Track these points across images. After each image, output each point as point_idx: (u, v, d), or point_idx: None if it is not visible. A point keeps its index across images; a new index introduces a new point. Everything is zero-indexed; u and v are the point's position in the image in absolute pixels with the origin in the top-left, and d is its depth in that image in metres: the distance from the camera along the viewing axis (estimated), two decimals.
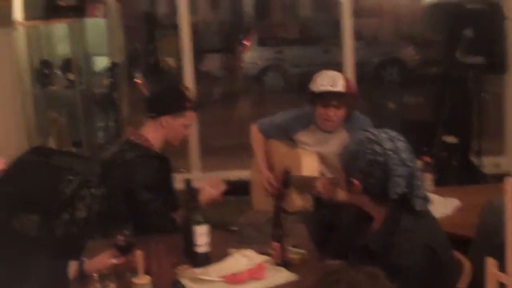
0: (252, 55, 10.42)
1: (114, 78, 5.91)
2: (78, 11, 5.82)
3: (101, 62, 6.12)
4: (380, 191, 2.35)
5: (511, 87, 5.44)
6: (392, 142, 2.36)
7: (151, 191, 3.21)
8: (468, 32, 4.65)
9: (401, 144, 2.38)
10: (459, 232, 2.96)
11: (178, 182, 3.16)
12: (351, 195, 2.46)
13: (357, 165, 2.36)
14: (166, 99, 3.41)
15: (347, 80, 3.67)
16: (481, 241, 2.65)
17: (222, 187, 3.36)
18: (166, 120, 3.32)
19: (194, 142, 5.23)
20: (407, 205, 2.36)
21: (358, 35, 8.22)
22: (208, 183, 3.34)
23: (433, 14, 5.72)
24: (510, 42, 5.25)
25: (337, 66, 5.43)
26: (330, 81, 3.60)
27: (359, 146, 2.38)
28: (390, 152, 2.33)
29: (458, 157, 4.91)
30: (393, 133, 2.41)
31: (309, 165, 3.63)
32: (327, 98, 3.58)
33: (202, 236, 2.71)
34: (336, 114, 3.61)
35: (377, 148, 2.34)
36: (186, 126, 3.38)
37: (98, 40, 6.16)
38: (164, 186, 3.35)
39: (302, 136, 3.80)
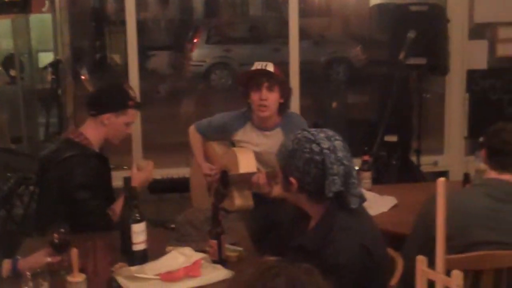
0: (200, 53, 10.39)
1: (58, 74, 5.82)
2: (23, 6, 5.71)
3: (46, 58, 6.03)
4: (317, 189, 2.37)
5: (451, 88, 5.54)
6: (329, 141, 2.38)
7: (89, 190, 3.19)
8: (411, 34, 4.71)
9: (338, 143, 2.40)
10: (394, 229, 3.02)
11: (120, 179, 3.13)
12: (289, 194, 2.48)
13: (294, 163, 2.38)
14: (109, 97, 3.39)
15: (277, 67, 3.70)
16: (419, 235, 2.70)
17: (150, 166, 3.34)
18: (108, 118, 3.30)
19: (137, 140, 5.20)
20: (343, 203, 2.38)
21: (306, 34, 8.28)
22: (135, 167, 3.31)
23: (379, 15, 5.80)
24: (452, 44, 5.34)
25: (285, 65, 5.45)
26: (260, 65, 3.65)
27: (297, 144, 2.40)
28: (327, 151, 2.35)
29: (397, 156, 5.00)
30: (330, 132, 2.44)
31: (246, 163, 3.65)
32: (259, 78, 3.60)
33: (139, 234, 2.69)
34: (269, 97, 3.61)
35: (315, 147, 2.36)
36: (127, 124, 3.36)
37: (43, 35, 6.07)
38: (102, 185, 3.33)
39: (240, 136, 3.81)
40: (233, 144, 3.87)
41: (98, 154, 3.33)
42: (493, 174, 2.73)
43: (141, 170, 3.31)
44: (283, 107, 3.73)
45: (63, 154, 3.24)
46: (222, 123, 3.89)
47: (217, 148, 3.95)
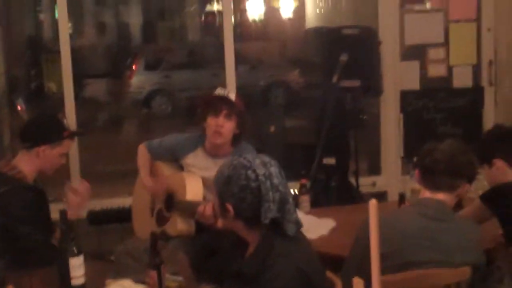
0: (139, 79, 10.36)
1: None
2: None
3: None
4: (253, 216, 2.39)
5: (385, 109, 5.64)
6: (265, 168, 2.41)
7: (29, 224, 3.13)
8: (344, 56, 4.79)
9: (274, 169, 2.43)
10: (333, 251, 3.05)
11: (55, 212, 3.08)
12: (225, 220, 2.49)
13: (230, 190, 2.40)
14: (43, 129, 3.34)
15: (238, 97, 3.75)
16: (357, 256, 2.73)
17: (85, 186, 3.31)
18: (44, 150, 3.26)
19: (74, 169, 5.12)
20: (279, 230, 2.41)
21: (243, 59, 8.34)
22: (70, 190, 3.27)
23: (313, 38, 5.88)
24: (384, 65, 5.45)
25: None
26: (223, 91, 3.70)
27: (233, 171, 2.41)
28: (262, 178, 2.38)
29: (336, 178, 5.05)
30: (266, 159, 2.46)
31: (193, 189, 3.63)
32: (219, 104, 3.63)
33: (77, 267, 2.66)
34: (226, 125, 3.63)
35: (250, 173, 2.38)
36: (62, 155, 3.34)
37: None
38: (41, 218, 3.26)
39: (190, 159, 3.80)
40: (181, 167, 3.86)
41: (33, 186, 3.28)
42: (427, 194, 2.78)
43: (76, 193, 3.27)
44: (237, 137, 3.74)
45: None
46: (174, 144, 3.88)
47: (164, 168, 3.91)
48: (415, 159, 2.92)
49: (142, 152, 3.97)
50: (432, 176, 2.76)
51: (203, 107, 3.71)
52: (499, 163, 3.10)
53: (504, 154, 3.11)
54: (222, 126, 3.63)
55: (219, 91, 3.70)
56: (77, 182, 3.42)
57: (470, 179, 2.81)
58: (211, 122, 3.64)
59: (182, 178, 3.69)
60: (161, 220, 3.74)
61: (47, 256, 3.07)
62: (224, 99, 3.64)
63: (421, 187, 2.83)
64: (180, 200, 3.63)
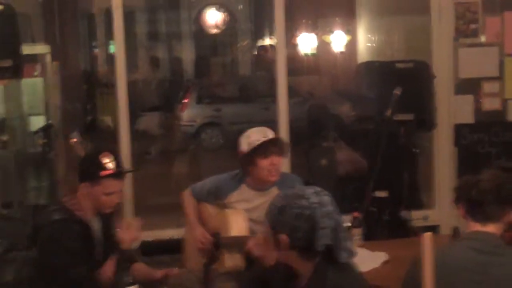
0: (190, 113, 10.48)
1: (49, 138, 5.85)
2: (15, 71, 5.77)
3: (37, 122, 6.06)
4: (307, 244, 2.38)
5: (439, 142, 5.60)
6: (317, 196, 2.41)
7: (70, 255, 3.16)
8: (398, 90, 4.77)
9: (326, 198, 2.43)
10: (385, 284, 3.01)
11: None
12: (278, 252, 2.48)
13: (284, 219, 2.40)
14: (81, 167, 3.39)
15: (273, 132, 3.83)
16: None
17: (137, 224, 3.34)
18: (84, 187, 3.31)
19: (128, 201, 5.19)
20: (332, 258, 2.39)
21: (295, 92, 8.37)
22: (123, 228, 3.31)
23: (366, 72, 5.87)
24: (438, 99, 5.41)
25: (276, 123, 5.51)
26: (260, 133, 3.74)
27: (286, 201, 2.42)
28: (316, 205, 2.38)
29: (388, 211, 5.00)
30: (318, 188, 2.47)
31: (237, 225, 3.69)
32: (267, 146, 3.69)
33: None
34: (279, 161, 3.73)
35: (303, 202, 2.38)
36: (107, 194, 3.30)
37: (35, 99, 6.12)
38: (84, 252, 3.26)
39: (234, 197, 3.85)
40: (225, 205, 3.89)
41: (81, 220, 3.29)
42: (477, 227, 2.73)
43: (129, 227, 3.31)
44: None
45: (49, 218, 3.25)
46: (217, 185, 3.94)
47: (209, 208, 3.97)
48: (455, 195, 2.86)
49: (187, 198, 4.02)
50: (481, 208, 2.71)
51: (249, 156, 3.73)
52: None
53: None
54: (277, 164, 3.71)
55: (261, 138, 3.71)
56: (131, 219, 3.43)
57: None
58: (263, 164, 3.70)
59: (226, 216, 3.74)
60: (211, 259, 3.76)
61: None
62: (271, 140, 3.71)
63: (468, 221, 2.77)
64: (226, 237, 3.67)
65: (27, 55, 5.37)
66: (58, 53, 6.93)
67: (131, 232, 3.30)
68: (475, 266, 2.62)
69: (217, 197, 3.93)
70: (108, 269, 3.12)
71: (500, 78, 5.62)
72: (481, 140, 5.49)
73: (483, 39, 5.68)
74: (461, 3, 5.57)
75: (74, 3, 9.65)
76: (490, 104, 5.62)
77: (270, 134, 3.74)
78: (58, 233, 3.19)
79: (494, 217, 2.70)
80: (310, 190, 2.43)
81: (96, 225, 3.36)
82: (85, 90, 9.89)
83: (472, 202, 2.73)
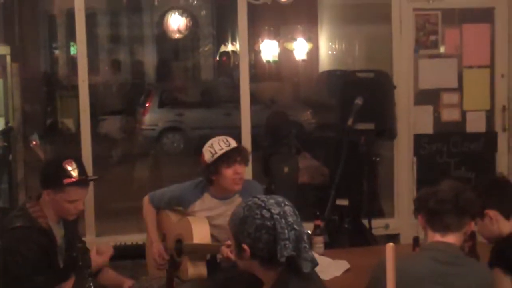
0: (152, 117, 10.44)
1: (8, 141, 5.79)
2: None
3: None
4: (269, 255, 2.40)
5: (399, 152, 5.67)
6: (279, 207, 2.42)
7: (30, 265, 3.13)
8: (359, 100, 4.82)
9: (288, 208, 2.44)
10: None
11: None
12: (241, 261, 2.50)
13: (246, 230, 2.41)
14: (44, 174, 3.33)
15: (236, 141, 3.83)
16: None
17: (110, 253, 3.34)
18: (48, 194, 3.26)
19: (89, 205, 5.15)
20: (295, 268, 2.42)
21: (257, 99, 8.40)
22: (95, 250, 3.31)
23: (327, 80, 5.93)
24: (398, 109, 5.48)
25: (237, 129, 5.53)
26: (223, 143, 3.74)
27: (248, 211, 2.43)
28: (277, 217, 2.39)
29: (349, 220, 5.05)
30: (280, 198, 2.48)
31: (200, 232, 3.69)
32: (231, 155, 3.70)
33: None
34: (242, 170, 3.74)
35: (265, 213, 2.40)
36: (71, 202, 3.27)
37: None
38: (46, 261, 3.23)
39: (197, 207, 3.85)
40: (188, 213, 3.90)
41: (43, 228, 3.25)
42: (437, 237, 2.77)
43: (101, 254, 3.31)
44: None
45: (10, 225, 3.20)
46: (178, 195, 3.92)
47: (171, 215, 3.97)
48: (414, 205, 2.90)
49: (146, 206, 4.01)
50: (440, 218, 2.75)
51: (213, 166, 3.73)
52: (491, 214, 3.07)
53: (495, 203, 3.09)
54: (241, 173, 3.72)
55: (224, 148, 3.72)
56: (104, 246, 3.43)
57: (474, 215, 2.82)
58: (227, 173, 3.70)
59: (188, 223, 3.73)
60: (173, 266, 3.76)
61: None
62: (234, 149, 3.72)
63: (428, 232, 2.81)
64: (189, 244, 3.67)
65: None
66: (18, 54, 6.85)
67: (104, 258, 3.33)
68: (436, 276, 2.66)
69: (178, 205, 3.94)
70: (68, 286, 3.12)
71: (459, 89, 5.73)
72: (440, 150, 5.58)
73: (442, 50, 5.78)
74: (421, 14, 5.66)
75: (34, 4, 9.55)
76: (449, 115, 5.72)
77: (233, 143, 3.75)
78: (17, 242, 3.14)
79: (453, 227, 2.74)
80: (272, 201, 2.44)
81: (58, 231, 3.33)
82: (45, 92, 9.78)
83: (431, 212, 2.77)
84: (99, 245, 3.44)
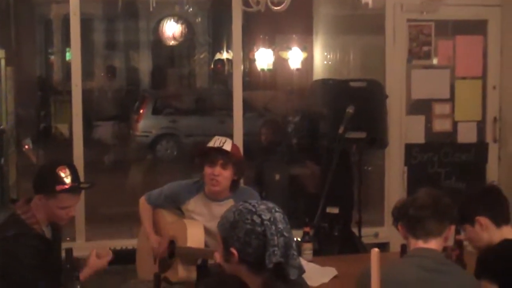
0: (146, 123, 10.45)
1: (1, 144, 5.79)
2: None
3: None
4: (257, 260, 2.40)
5: (390, 161, 5.69)
6: (270, 213, 2.43)
7: (32, 272, 3.12)
8: (350, 109, 4.84)
9: (278, 215, 2.45)
10: None
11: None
12: (228, 265, 2.51)
13: (235, 234, 2.41)
14: (37, 179, 3.31)
15: (235, 146, 3.83)
16: None
17: (109, 256, 3.34)
18: (40, 199, 3.25)
19: (80, 210, 5.15)
20: (282, 275, 2.43)
21: (250, 107, 8.42)
22: (95, 253, 3.31)
23: (321, 89, 5.94)
24: (390, 119, 5.51)
25: (230, 137, 5.54)
26: (218, 142, 3.74)
27: (238, 216, 2.43)
28: (267, 222, 2.40)
29: (339, 227, 5.07)
30: (271, 204, 2.49)
31: (194, 236, 3.69)
32: (214, 155, 3.70)
33: None
34: (222, 174, 3.72)
35: (256, 218, 2.41)
36: (63, 208, 3.26)
37: None
38: (46, 267, 3.23)
39: (191, 205, 3.87)
40: (182, 212, 3.91)
41: (41, 235, 3.26)
42: (419, 244, 2.77)
43: (100, 258, 3.31)
44: (235, 184, 3.83)
45: (5, 233, 3.18)
46: (174, 192, 3.94)
47: (167, 215, 3.98)
48: (393, 215, 2.92)
49: (143, 205, 4.02)
50: (421, 224, 2.77)
51: (200, 157, 3.78)
52: (482, 220, 3.08)
53: (485, 210, 3.10)
54: (218, 175, 3.71)
55: (215, 141, 3.75)
56: (104, 250, 3.40)
57: (452, 220, 2.84)
58: (208, 171, 3.73)
59: (184, 226, 3.74)
60: (163, 266, 3.78)
61: None
62: (220, 150, 3.71)
63: (410, 240, 2.83)
64: (182, 247, 3.67)
65: None
66: (13, 58, 6.85)
67: (103, 261, 3.31)
68: (420, 283, 2.67)
69: (175, 203, 3.95)
70: None
71: (451, 100, 5.77)
72: (431, 160, 5.60)
73: (435, 61, 5.83)
74: (415, 25, 5.71)
75: (31, 8, 9.57)
76: (441, 125, 5.76)
77: (226, 145, 3.72)
78: (15, 249, 3.13)
79: (434, 232, 2.76)
80: (262, 206, 2.45)
81: (48, 234, 3.33)
82: (39, 97, 9.78)
83: (412, 219, 2.78)
84: (99, 249, 3.41)
